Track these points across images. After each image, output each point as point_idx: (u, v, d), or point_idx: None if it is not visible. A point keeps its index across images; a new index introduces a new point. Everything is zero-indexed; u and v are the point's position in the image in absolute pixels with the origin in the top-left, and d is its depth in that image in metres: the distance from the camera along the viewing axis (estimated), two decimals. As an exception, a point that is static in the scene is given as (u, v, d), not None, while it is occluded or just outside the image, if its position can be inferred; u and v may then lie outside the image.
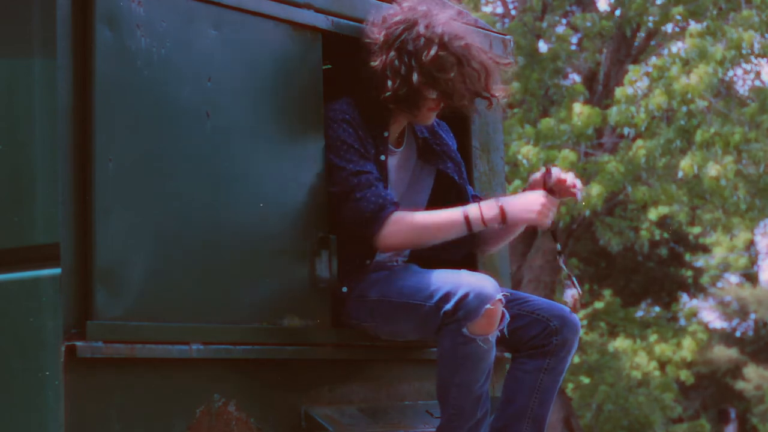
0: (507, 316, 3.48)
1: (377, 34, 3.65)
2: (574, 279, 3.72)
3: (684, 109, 11.65)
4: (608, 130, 13.58)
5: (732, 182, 11.91)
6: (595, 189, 12.15)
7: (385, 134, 3.73)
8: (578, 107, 12.35)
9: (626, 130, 12.27)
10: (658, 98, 11.63)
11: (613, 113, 11.99)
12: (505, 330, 3.49)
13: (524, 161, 12.16)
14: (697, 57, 11.54)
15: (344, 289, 3.63)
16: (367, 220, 3.59)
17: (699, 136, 11.72)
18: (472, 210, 3.59)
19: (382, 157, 3.71)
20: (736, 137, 11.67)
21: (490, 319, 3.41)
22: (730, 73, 13.28)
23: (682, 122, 11.86)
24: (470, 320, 3.40)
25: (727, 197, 12.12)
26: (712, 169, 11.59)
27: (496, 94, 3.74)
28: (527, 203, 3.60)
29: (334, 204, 3.62)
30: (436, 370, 3.52)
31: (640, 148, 12.02)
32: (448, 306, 3.43)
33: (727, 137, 11.68)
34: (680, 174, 12.01)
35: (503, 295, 3.45)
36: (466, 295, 3.40)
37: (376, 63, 3.63)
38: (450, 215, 3.61)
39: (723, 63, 11.46)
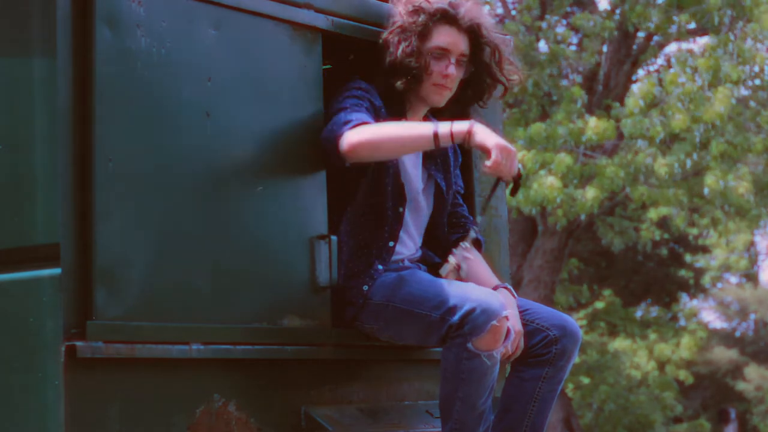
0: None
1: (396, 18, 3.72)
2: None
3: (701, 127, 11.67)
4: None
5: (757, 197, 11.98)
6: (591, 192, 12.15)
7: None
8: (593, 121, 12.30)
9: (639, 143, 12.28)
10: (680, 123, 11.60)
11: (628, 125, 11.98)
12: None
13: (519, 166, 12.14)
14: (711, 78, 11.51)
15: (365, 288, 3.62)
16: (333, 130, 3.51)
17: (714, 148, 11.73)
18: (442, 126, 3.48)
19: None
20: (758, 146, 11.70)
21: (495, 335, 3.41)
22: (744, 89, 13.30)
23: (697, 133, 11.86)
24: (476, 335, 3.40)
25: (747, 210, 12.17)
26: (741, 186, 11.65)
27: (511, 78, 3.80)
28: (495, 135, 3.50)
29: (346, 181, 3.64)
30: (440, 384, 3.52)
31: (663, 166, 12.00)
32: (454, 319, 3.43)
33: (741, 146, 11.71)
34: (706, 191, 12.03)
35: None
36: (472, 310, 3.40)
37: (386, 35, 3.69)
38: (420, 127, 3.52)
39: (738, 83, 11.46)
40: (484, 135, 3.46)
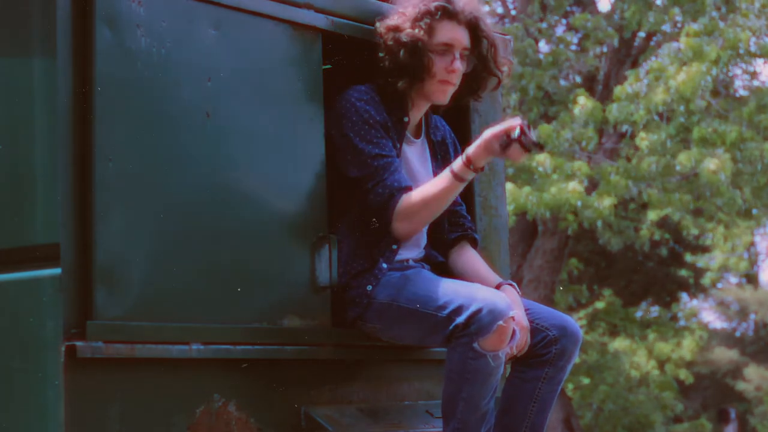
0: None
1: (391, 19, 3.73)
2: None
3: (681, 108, 11.67)
4: (608, 132, 13.58)
5: (729, 179, 11.92)
6: (607, 201, 12.14)
7: (405, 119, 3.75)
8: (582, 99, 12.33)
9: (624, 128, 12.28)
10: (660, 96, 11.63)
11: (614, 110, 11.99)
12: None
13: (539, 168, 12.11)
14: (693, 56, 11.55)
15: (369, 288, 3.63)
16: (380, 211, 3.62)
17: (696, 132, 11.73)
18: (456, 164, 3.59)
19: (398, 145, 3.72)
20: (732, 135, 11.69)
21: (501, 335, 3.41)
22: (731, 73, 13.29)
23: (682, 119, 11.88)
24: (482, 335, 3.40)
25: (725, 194, 12.12)
26: (711, 163, 11.61)
27: (503, 69, 3.83)
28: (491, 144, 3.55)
29: (353, 187, 3.64)
30: (443, 384, 3.52)
31: (644, 140, 12.02)
32: (460, 319, 3.43)
33: (724, 135, 11.70)
34: (677, 167, 12.01)
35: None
36: (479, 310, 3.40)
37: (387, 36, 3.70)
38: (442, 179, 3.61)
39: (717, 62, 11.47)
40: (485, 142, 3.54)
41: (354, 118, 3.64)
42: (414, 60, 3.66)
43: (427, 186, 3.64)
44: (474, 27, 3.75)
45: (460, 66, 3.71)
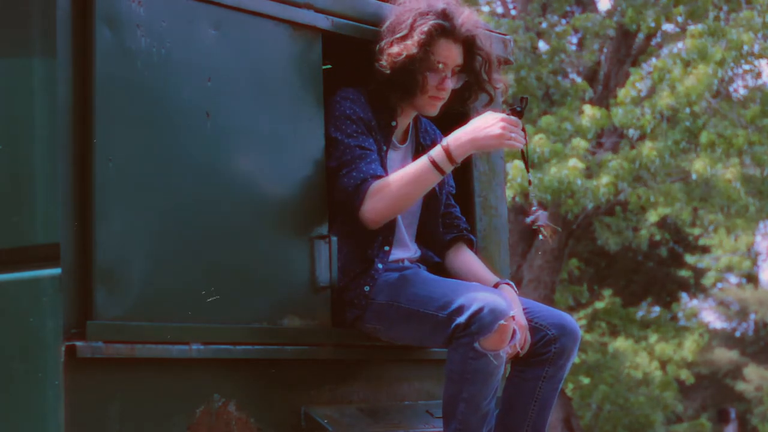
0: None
1: (388, 21, 3.72)
2: (537, 207, 3.60)
3: (687, 110, 11.66)
4: (608, 131, 13.57)
5: (742, 185, 11.93)
6: (605, 179, 12.10)
7: (393, 123, 3.75)
8: (588, 108, 12.32)
9: (631, 132, 12.27)
10: (665, 100, 11.62)
11: (619, 114, 11.98)
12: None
13: (537, 149, 12.05)
14: (697, 57, 11.55)
15: (366, 288, 3.63)
16: (350, 195, 3.60)
17: (704, 137, 11.72)
18: (436, 152, 3.58)
19: (384, 148, 3.72)
20: (739, 140, 11.68)
21: (502, 335, 3.41)
22: (730, 74, 13.29)
23: (687, 123, 11.87)
24: (483, 335, 3.40)
25: (735, 199, 12.12)
26: (728, 173, 11.62)
27: (497, 86, 3.82)
28: (486, 126, 3.55)
29: (332, 180, 3.64)
30: (444, 384, 3.52)
31: (651, 150, 12.00)
32: (461, 319, 3.43)
33: (730, 139, 11.69)
34: (694, 176, 12.01)
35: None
36: (480, 310, 3.40)
37: (382, 43, 3.68)
38: (419, 167, 3.60)
39: (723, 64, 11.47)
40: (480, 136, 3.53)
41: (336, 114, 3.65)
42: (407, 77, 3.66)
43: (401, 172, 3.61)
44: (470, 44, 3.74)
45: (450, 84, 3.72)
